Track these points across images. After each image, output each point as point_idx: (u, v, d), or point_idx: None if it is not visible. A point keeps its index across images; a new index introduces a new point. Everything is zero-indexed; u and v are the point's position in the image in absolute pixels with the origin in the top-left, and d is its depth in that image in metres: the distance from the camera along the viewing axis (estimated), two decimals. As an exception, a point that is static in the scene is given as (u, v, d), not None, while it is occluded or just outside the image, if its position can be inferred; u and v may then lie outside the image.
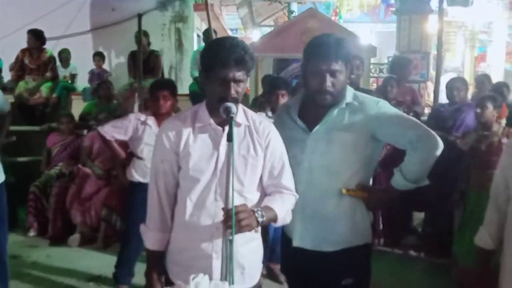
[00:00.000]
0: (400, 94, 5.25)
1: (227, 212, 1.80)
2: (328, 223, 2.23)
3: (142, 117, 3.83)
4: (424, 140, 2.14)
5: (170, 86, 3.85)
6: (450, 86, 4.95)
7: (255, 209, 1.88)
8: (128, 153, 3.98)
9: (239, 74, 1.90)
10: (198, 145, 1.98)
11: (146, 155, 3.77)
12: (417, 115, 5.25)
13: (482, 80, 6.02)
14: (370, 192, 2.25)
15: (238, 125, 2.00)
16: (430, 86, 7.93)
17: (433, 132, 2.19)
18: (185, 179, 2.00)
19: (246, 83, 1.98)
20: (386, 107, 2.23)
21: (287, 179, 2.07)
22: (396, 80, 5.13)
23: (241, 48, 1.89)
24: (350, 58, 2.22)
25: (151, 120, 3.79)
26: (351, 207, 2.24)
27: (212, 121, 1.99)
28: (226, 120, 1.87)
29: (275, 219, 1.97)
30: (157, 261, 2.11)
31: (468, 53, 16.29)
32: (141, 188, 3.72)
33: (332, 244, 2.24)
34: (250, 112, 2.09)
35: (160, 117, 3.77)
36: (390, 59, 7.06)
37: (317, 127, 2.22)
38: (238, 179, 1.95)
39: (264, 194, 2.07)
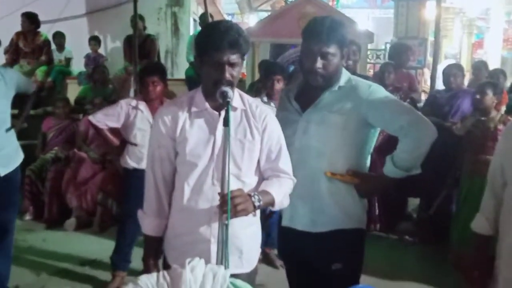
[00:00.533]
0: (397, 80, 5.25)
1: (223, 197, 1.80)
2: (317, 204, 2.23)
3: (133, 102, 3.79)
4: (416, 127, 2.13)
5: (159, 71, 3.80)
6: (446, 73, 4.95)
7: (252, 194, 1.89)
8: (121, 141, 3.95)
9: (233, 57, 1.89)
10: (194, 130, 1.98)
11: (140, 141, 3.74)
12: (414, 102, 5.25)
13: (479, 66, 6.03)
14: (361, 179, 2.24)
15: (234, 109, 1.99)
16: (427, 72, 7.90)
17: (427, 119, 2.19)
18: (182, 164, 2.00)
19: (241, 67, 1.96)
20: (378, 91, 2.22)
21: (285, 163, 2.06)
22: (394, 66, 5.12)
23: (235, 31, 1.88)
24: (345, 42, 2.21)
25: (142, 105, 3.76)
26: (341, 190, 2.24)
27: (208, 105, 1.99)
28: (222, 104, 1.87)
29: (272, 203, 1.97)
30: (154, 246, 2.12)
31: (465, 39, 16.25)
32: (136, 174, 3.71)
33: (321, 225, 2.24)
34: (246, 96, 2.08)
35: (151, 103, 3.75)
36: (389, 45, 7.02)
37: (309, 109, 2.23)
38: (235, 163, 1.95)
39: (261, 178, 2.07)
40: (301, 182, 2.15)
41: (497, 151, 2.16)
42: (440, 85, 5.66)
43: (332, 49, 2.12)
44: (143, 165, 3.69)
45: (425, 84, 8.33)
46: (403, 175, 2.20)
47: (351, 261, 2.30)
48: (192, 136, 1.97)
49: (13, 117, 3.57)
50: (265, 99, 4.19)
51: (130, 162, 3.79)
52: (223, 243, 1.83)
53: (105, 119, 3.82)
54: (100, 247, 4.43)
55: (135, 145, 3.77)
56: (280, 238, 2.51)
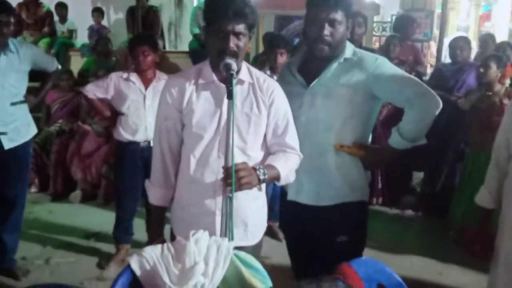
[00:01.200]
0: (402, 53, 5.18)
1: (227, 170, 1.80)
2: (323, 177, 2.24)
3: (124, 74, 3.74)
4: (422, 98, 2.14)
5: (150, 41, 3.74)
6: (453, 45, 4.89)
7: (257, 167, 1.89)
8: (112, 113, 3.91)
9: (239, 27, 1.87)
10: (201, 102, 1.97)
11: (133, 112, 3.70)
12: (419, 75, 5.19)
13: (486, 39, 5.94)
14: (367, 151, 2.25)
15: (242, 82, 1.98)
16: (433, 45, 7.81)
17: (432, 91, 2.18)
18: (188, 136, 2.01)
19: (247, 38, 1.93)
20: (385, 64, 2.20)
21: (292, 138, 2.06)
22: (399, 38, 5.05)
23: (241, 0, 1.86)
24: (351, 11, 2.19)
25: (134, 76, 3.71)
26: (347, 163, 2.25)
27: (215, 78, 1.97)
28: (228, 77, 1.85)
29: (277, 178, 1.97)
30: (160, 216, 2.16)
31: (473, 11, 16.00)
32: (131, 147, 3.72)
33: (327, 198, 2.26)
34: (254, 70, 2.06)
35: (143, 74, 3.70)
36: (395, 17, 6.91)
37: (314, 82, 2.21)
38: (241, 137, 1.96)
39: (268, 153, 2.07)
40: (308, 156, 2.15)
41: (503, 125, 2.15)
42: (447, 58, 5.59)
43: (339, 16, 2.10)
44: (138, 137, 3.70)
45: (431, 57, 8.24)
46: (409, 146, 2.21)
47: (356, 233, 2.33)
48: (198, 108, 1.97)
49: (33, 90, 3.56)
50: (268, 72, 4.16)
51: (125, 134, 3.73)
52: (227, 215, 1.84)
53: (94, 90, 3.79)
54: (105, 219, 4.47)
55: (123, 114, 3.72)
56: (283, 212, 2.53)
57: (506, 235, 2.07)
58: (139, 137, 3.71)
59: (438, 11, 8.07)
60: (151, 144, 3.56)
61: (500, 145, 2.14)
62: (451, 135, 4.66)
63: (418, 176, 5.66)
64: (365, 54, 2.24)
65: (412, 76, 2.31)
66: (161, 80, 3.73)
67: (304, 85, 2.24)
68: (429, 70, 6.61)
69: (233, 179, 1.77)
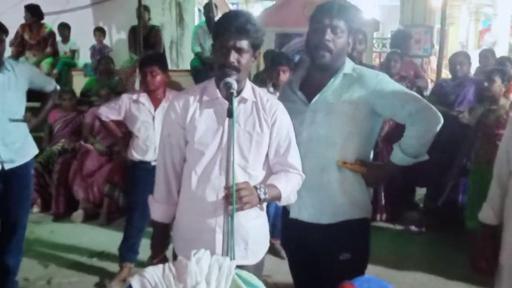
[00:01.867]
0: (402, 69, 5.20)
1: (229, 189, 1.80)
2: (326, 195, 2.23)
3: (134, 96, 3.76)
4: (423, 114, 2.14)
5: (158, 61, 3.76)
6: (452, 61, 4.91)
7: (258, 186, 1.89)
8: (124, 133, 3.95)
9: (240, 43, 1.90)
10: (204, 118, 1.99)
11: (144, 133, 3.74)
12: (420, 90, 5.21)
13: (486, 55, 5.97)
14: (369, 167, 2.25)
15: (245, 101, 2.01)
16: (434, 60, 7.84)
17: (433, 107, 2.18)
18: (190, 152, 2.02)
19: (250, 56, 1.96)
20: (385, 80, 2.21)
21: (294, 158, 2.06)
22: (400, 54, 5.08)
23: (245, 17, 1.91)
24: (353, 24, 2.20)
25: (143, 98, 3.73)
26: (349, 179, 2.24)
27: (219, 95, 1.99)
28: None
29: (278, 198, 1.98)
30: (162, 233, 2.18)
31: (473, 26, 16.11)
32: (142, 166, 3.75)
33: (329, 216, 2.25)
34: (258, 89, 2.08)
35: (152, 94, 3.71)
36: (393, 33, 6.96)
37: (315, 98, 2.21)
38: (242, 155, 1.97)
39: (270, 172, 2.07)
40: (310, 173, 2.15)
41: (504, 140, 2.14)
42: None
43: (342, 24, 2.12)
44: (148, 157, 3.74)
45: (432, 72, 8.27)
46: (411, 162, 2.21)
47: (359, 250, 2.31)
48: (201, 125, 1.98)
49: (33, 111, 3.59)
50: (271, 89, 4.17)
51: (135, 154, 3.79)
52: (229, 233, 1.83)
53: (107, 112, 3.83)
54: (107, 238, 4.46)
55: (135, 136, 3.77)
56: (285, 229, 2.51)
57: (508, 251, 2.05)
58: (149, 157, 3.75)
59: (438, 26, 8.14)
60: None
61: (501, 160, 2.13)
62: (452, 150, 4.65)
63: (421, 192, 5.64)
64: (365, 70, 2.25)
65: (413, 92, 2.31)
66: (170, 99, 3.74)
67: (305, 102, 2.24)
68: (429, 85, 6.63)
69: (234, 197, 1.77)
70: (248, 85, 2.04)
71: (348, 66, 2.22)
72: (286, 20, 6.38)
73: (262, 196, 1.88)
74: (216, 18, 6.22)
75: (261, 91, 2.08)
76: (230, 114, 1.78)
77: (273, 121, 2.01)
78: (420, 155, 2.20)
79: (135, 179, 3.81)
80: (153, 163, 3.70)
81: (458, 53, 5.15)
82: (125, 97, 3.81)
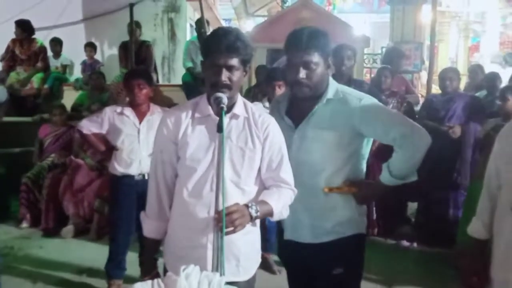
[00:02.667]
0: (393, 84, 5.24)
1: (220, 213, 1.81)
2: (317, 218, 2.24)
3: (118, 108, 3.75)
4: (409, 138, 2.13)
5: (145, 75, 3.78)
6: (442, 77, 4.95)
7: (249, 204, 1.89)
8: (108, 147, 3.89)
9: (231, 61, 1.90)
10: (196, 135, 1.99)
11: (128, 146, 3.71)
12: (411, 105, 5.26)
13: (475, 70, 6.05)
14: (359, 187, 2.25)
15: (237, 117, 2.00)
16: (424, 76, 7.92)
17: (420, 127, 2.19)
18: (182, 168, 2.02)
19: (241, 72, 1.96)
20: (369, 103, 2.21)
21: (286, 173, 2.06)
22: (390, 70, 5.12)
23: (234, 35, 1.91)
24: (328, 50, 2.19)
25: (128, 111, 3.72)
26: (339, 203, 2.25)
27: (211, 111, 1.99)
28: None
29: (270, 214, 1.97)
30: (153, 249, 2.16)
31: (462, 43, 16.30)
32: (125, 181, 3.71)
33: (322, 236, 2.25)
34: (250, 105, 2.08)
35: (138, 107, 3.72)
36: (384, 49, 7.04)
37: (300, 125, 2.23)
38: (235, 171, 1.96)
39: (263, 186, 2.07)
40: (300, 198, 2.15)
41: (493, 154, 2.16)
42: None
43: (314, 57, 2.11)
44: (132, 171, 3.71)
45: (422, 88, 8.34)
46: (399, 183, 2.21)
47: (352, 265, 2.31)
48: (193, 141, 1.98)
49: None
50: (266, 104, 4.19)
51: (119, 168, 3.73)
52: (219, 250, 1.83)
53: (89, 125, 3.81)
54: (97, 254, 4.40)
55: (116, 149, 3.73)
56: (281, 248, 2.51)
57: (498, 265, 2.05)
58: (133, 171, 3.71)
59: (427, 42, 8.23)
60: (146, 177, 3.60)
61: (490, 174, 2.13)
62: (442, 165, 4.68)
63: (412, 206, 5.65)
64: (349, 94, 2.24)
65: (398, 114, 2.31)
66: (155, 113, 3.75)
67: (292, 128, 2.25)
68: (420, 101, 6.67)
69: (223, 210, 1.77)
70: (240, 100, 2.04)
71: (331, 91, 2.22)
72: (278, 36, 6.35)
73: (254, 214, 1.88)
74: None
75: (253, 106, 2.08)
76: (220, 129, 1.79)
77: (265, 136, 2.01)
78: (409, 176, 2.20)
79: (119, 194, 3.78)
80: (136, 178, 3.70)
81: (447, 69, 5.20)
82: (108, 110, 3.78)
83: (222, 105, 1.84)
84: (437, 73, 5.40)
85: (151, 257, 2.18)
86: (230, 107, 1.97)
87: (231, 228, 1.81)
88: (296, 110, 2.28)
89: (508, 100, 4.04)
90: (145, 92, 3.69)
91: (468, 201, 4.35)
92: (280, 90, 4.17)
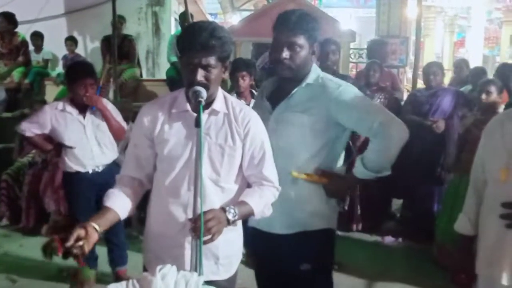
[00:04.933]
0: (380, 79, 5.21)
1: (195, 221, 1.74)
2: (284, 206, 2.17)
3: (60, 105, 3.60)
4: (386, 128, 2.08)
5: (92, 72, 3.65)
6: (426, 71, 4.93)
7: (227, 208, 1.84)
8: (55, 145, 3.74)
9: (207, 60, 1.82)
10: (173, 131, 1.93)
11: (75, 143, 3.59)
12: (398, 102, 5.24)
13: (460, 65, 6.05)
14: (330, 178, 2.19)
15: (216, 113, 1.94)
16: (409, 71, 7.94)
17: (398, 120, 2.14)
18: (160, 165, 1.97)
19: (219, 70, 1.88)
20: (347, 91, 2.16)
21: (269, 170, 2.00)
22: (379, 65, 5.09)
23: (208, 31, 1.81)
24: (314, 35, 2.16)
25: (69, 107, 3.58)
26: (306, 191, 2.20)
27: (189, 107, 1.92)
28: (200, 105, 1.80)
29: (251, 214, 1.93)
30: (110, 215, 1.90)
31: (447, 38, 16.40)
32: (78, 177, 3.63)
33: (288, 226, 2.22)
34: (231, 99, 2.00)
35: (81, 103, 3.56)
36: (368, 43, 7.02)
37: (277, 108, 2.20)
38: (214, 168, 1.91)
39: (245, 183, 2.02)
40: None
41: (479, 149, 2.13)
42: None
43: (299, 39, 2.10)
44: (85, 168, 3.62)
45: (407, 83, 8.35)
46: (373, 177, 2.16)
47: (320, 261, 2.27)
48: (170, 138, 1.92)
49: None
50: (235, 96, 4.13)
51: (71, 165, 3.63)
52: (197, 248, 1.78)
53: (30, 126, 3.62)
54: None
55: (71, 147, 3.61)
56: (249, 238, 2.47)
57: (483, 260, 2.03)
58: (87, 167, 3.63)
59: (413, 37, 8.22)
60: (101, 169, 3.62)
61: (476, 170, 2.11)
62: (426, 159, 4.67)
63: (397, 202, 5.64)
64: (329, 80, 2.20)
65: (376, 104, 2.29)
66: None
67: (270, 111, 2.22)
68: (405, 96, 6.67)
69: (202, 214, 1.72)
70: (220, 96, 1.97)
71: (312, 75, 2.19)
72: (264, 30, 6.27)
73: (231, 218, 1.82)
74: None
75: (234, 101, 2.00)
76: (197, 124, 1.72)
77: (246, 132, 1.95)
78: (383, 169, 2.15)
79: (74, 191, 3.69)
80: (90, 171, 3.63)
81: (431, 63, 5.18)
82: (48, 108, 3.64)
83: (200, 99, 1.77)
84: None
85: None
86: (209, 103, 1.90)
87: (209, 236, 1.75)
88: (277, 94, 2.24)
89: (492, 94, 4.01)
90: (93, 91, 3.56)
91: (447, 196, 4.34)
92: (244, 81, 4.09)
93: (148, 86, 7.04)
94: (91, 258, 3.79)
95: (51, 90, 6.88)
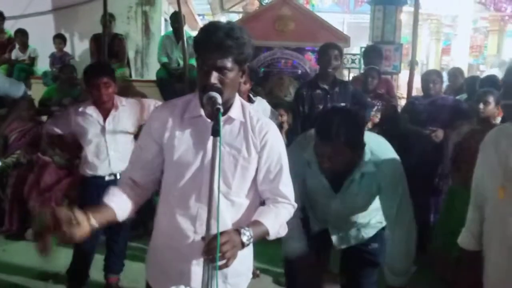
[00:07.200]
0: (378, 86, 5.15)
1: (209, 244, 1.60)
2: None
3: (80, 107, 3.53)
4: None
5: (109, 72, 3.56)
6: (425, 79, 4.88)
7: (242, 231, 1.70)
8: (74, 145, 3.72)
9: (222, 61, 1.69)
10: (184, 137, 1.80)
11: (94, 146, 3.51)
12: (395, 109, 5.18)
13: (455, 73, 6.03)
14: None
15: (231, 121, 1.81)
16: (401, 77, 7.92)
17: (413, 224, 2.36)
18: (168, 172, 1.85)
19: (236, 73, 1.75)
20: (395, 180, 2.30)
21: (286, 186, 1.89)
22: (378, 71, 5.02)
23: (224, 31, 1.69)
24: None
25: (91, 109, 3.50)
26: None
27: (203, 112, 1.79)
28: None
29: (266, 235, 1.81)
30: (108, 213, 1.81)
31: (433, 46, 16.53)
32: (94, 182, 3.51)
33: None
34: (249, 108, 1.88)
35: (102, 105, 3.50)
36: (363, 49, 6.96)
37: (340, 194, 2.36)
38: (225, 180, 1.78)
39: (258, 200, 1.91)
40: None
41: (477, 165, 2.08)
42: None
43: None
44: (100, 172, 3.52)
45: (398, 90, 8.32)
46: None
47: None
48: (181, 144, 1.79)
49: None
50: None
51: (87, 169, 3.56)
52: (209, 272, 1.64)
53: (55, 126, 3.66)
54: (65, 259, 4.11)
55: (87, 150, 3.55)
56: None
57: (490, 280, 1.97)
58: (102, 172, 3.53)
59: (403, 44, 8.20)
60: (118, 177, 3.43)
61: (477, 184, 2.06)
62: (425, 168, 4.60)
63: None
64: (381, 163, 2.27)
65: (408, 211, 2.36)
66: (119, 107, 3.55)
67: (331, 191, 2.36)
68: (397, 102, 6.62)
69: (218, 234, 1.57)
70: (237, 103, 1.84)
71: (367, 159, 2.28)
72: (257, 33, 6.22)
73: (246, 242, 1.70)
74: (185, 29, 6.07)
75: (251, 110, 1.88)
76: (215, 132, 1.58)
77: (263, 144, 1.82)
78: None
79: (86, 196, 3.56)
80: (107, 178, 3.51)
81: (431, 71, 5.14)
82: (71, 110, 3.60)
83: (218, 106, 1.62)
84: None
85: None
86: (225, 110, 1.76)
87: (223, 262, 1.61)
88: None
89: (490, 104, 3.96)
90: (112, 91, 3.48)
91: (443, 207, 4.28)
92: (245, 86, 3.85)
93: (137, 86, 6.88)
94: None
95: (37, 89, 6.67)
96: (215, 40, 1.68)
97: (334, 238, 2.55)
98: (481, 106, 3.96)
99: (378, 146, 2.28)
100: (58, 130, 3.62)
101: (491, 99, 3.96)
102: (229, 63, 1.70)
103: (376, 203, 2.43)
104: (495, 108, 3.97)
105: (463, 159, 4.00)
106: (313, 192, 2.40)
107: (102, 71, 3.50)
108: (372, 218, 2.52)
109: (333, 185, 2.33)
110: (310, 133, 2.30)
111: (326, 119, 2.13)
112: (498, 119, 4.03)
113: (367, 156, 2.23)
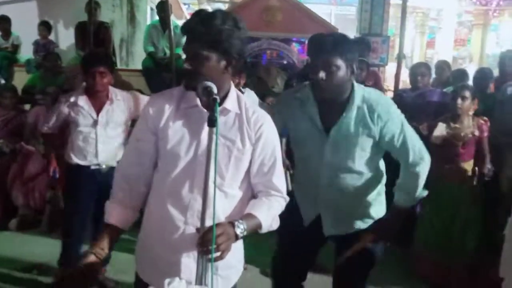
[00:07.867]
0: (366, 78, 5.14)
1: (203, 236, 1.58)
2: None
3: (72, 98, 3.46)
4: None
5: (107, 61, 3.49)
6: (413, 72, 4.89)
7: (237, 223, 1.68)
8: (63, 133, 3.67)
9: (193, 47, 1.68)
10: (178, 127, 1.77)
11: (83, 138, 3.45)
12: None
13: (442, 66, 6.03)
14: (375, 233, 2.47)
15: (227, 112, 1.78)
16: (387, 70, 7.95)
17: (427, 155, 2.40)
18: (161, 162, 1.82)
19: (215, 61, 1.69)
20: (395, 120, 2.36)
21: (278, 178, 1.87)
22: (366, 63, 5.02)
23: (201, 18, 1.68)
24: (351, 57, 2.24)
25: (82, 101, 3.43)
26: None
27: (199, 102, 1.77)
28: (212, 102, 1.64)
29: (259, 228, 1.79)
30: (113, 238, 1.82)
31: (418, 39, 16.61)
32: (80, 171, 3.46)
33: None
34: (244, 100, 1.85)
35: (95, 95, 3.43)
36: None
37: (332, 132, 2.32)
38: (219, 171, 1.75)
39: (251, 192, 1.88)
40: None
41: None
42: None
43: (337, 61, 2.17)
44: (86, 162, 3.46)
45: (385, 82, 8.35)
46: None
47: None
48: (175, 134, 1.77)
49: None
50: None
51: (74, 158, 3.49)
52: (203, 264, 1.62)
53: (47, 124, 3.62)
54: (49, 249, 4.10)
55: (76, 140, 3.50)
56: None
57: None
58: (88, 162, 3.47)
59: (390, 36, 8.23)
60: (104, 167, 3.43)
61: None
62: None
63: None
64: (377, 104, 2.31)
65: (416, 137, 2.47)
66: (114, 101, 3.48)
67: (322, 131, 2.33)
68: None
69: (214, 226, 1.55)
70: (233, 94, 1.81)
71: (358, 96, 2.29)
72: (246, 23, 6.22)
73: (240, 234, 1.68)
74: (171, 18, 5.99)
75: (247, 102, 1.85)
76: (211, 123, 1.56)
77: (258, 136, 1.80)
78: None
79: (74, 184, 3.52)
80: (92, 167, 3.46)
81: (419, 64, 5.15)
82: (62, 101, 3.53)
83: (215, 97, 1.60)
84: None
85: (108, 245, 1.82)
86: (220, 100, 1.72)
87: (218, 254, 1.59)
88: (323, 110, 2.33)
89: (466, 99, 3.94)
90: (107, 81, 3.41)
91: (426, 205, 4.24)
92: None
93: (122, 76, 6.78)
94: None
95: (20, 76, 6.55)
96: (188, 26, 1.69)
97: (326, 223, 2.45)
98: (459, 101, 3.94)
99: (374, 92, 2.41)
100: (54, 130, 3.60)
101: (467, 94, 3.95)
102: (204, 49, 1.67)
103: (374, 194, 2.48)
104: (471, 103, 3.96)
105: (442, 156, 4.00)
106: (304, 140, 2.37)
107: (99, 60, 3.43)
108: (367, 206, 2.50)
109: (325, 126, 2.33)
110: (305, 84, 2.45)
111: (321, 36, 2.28)
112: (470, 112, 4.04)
113: (359, 92, 2.30)
